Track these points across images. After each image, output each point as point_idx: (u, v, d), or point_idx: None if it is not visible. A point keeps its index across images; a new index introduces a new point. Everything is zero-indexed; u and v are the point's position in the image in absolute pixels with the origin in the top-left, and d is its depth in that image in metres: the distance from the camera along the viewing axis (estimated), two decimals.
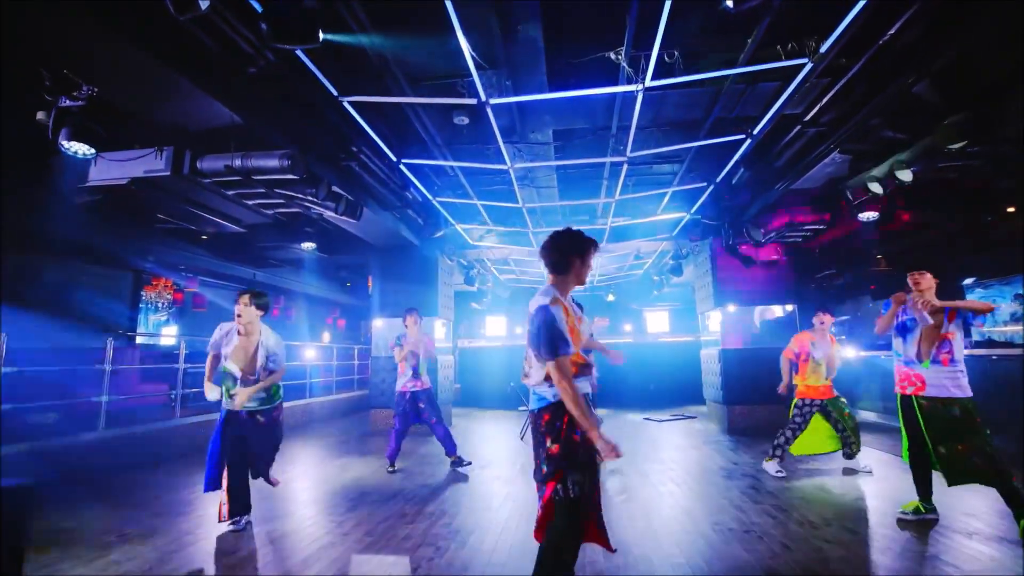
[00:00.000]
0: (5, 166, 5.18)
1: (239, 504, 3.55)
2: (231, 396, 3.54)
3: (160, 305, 10.59)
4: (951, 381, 3.33)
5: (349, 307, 16.93)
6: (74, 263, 9.10)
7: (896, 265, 10.24)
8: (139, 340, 10.38)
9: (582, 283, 2.37)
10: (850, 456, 5.07)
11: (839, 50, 3.64)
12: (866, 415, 8.56)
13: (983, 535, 3.28)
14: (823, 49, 3.52)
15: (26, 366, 5.28)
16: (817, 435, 5.11)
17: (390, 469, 5.34)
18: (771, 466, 4.92)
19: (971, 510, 3.72)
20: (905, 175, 4.55)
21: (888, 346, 8.55)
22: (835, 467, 5.20)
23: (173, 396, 7.31)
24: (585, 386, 2.33)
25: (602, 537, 2.35)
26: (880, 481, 4.73)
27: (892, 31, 3.49)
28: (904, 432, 3.59)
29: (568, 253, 2.28)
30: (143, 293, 10.31)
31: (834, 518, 3.70)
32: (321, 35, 3.12)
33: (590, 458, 2.20)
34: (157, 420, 6.43)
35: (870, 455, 5.48)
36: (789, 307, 7.76)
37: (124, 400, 6.53)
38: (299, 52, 3.44)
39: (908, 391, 3.48)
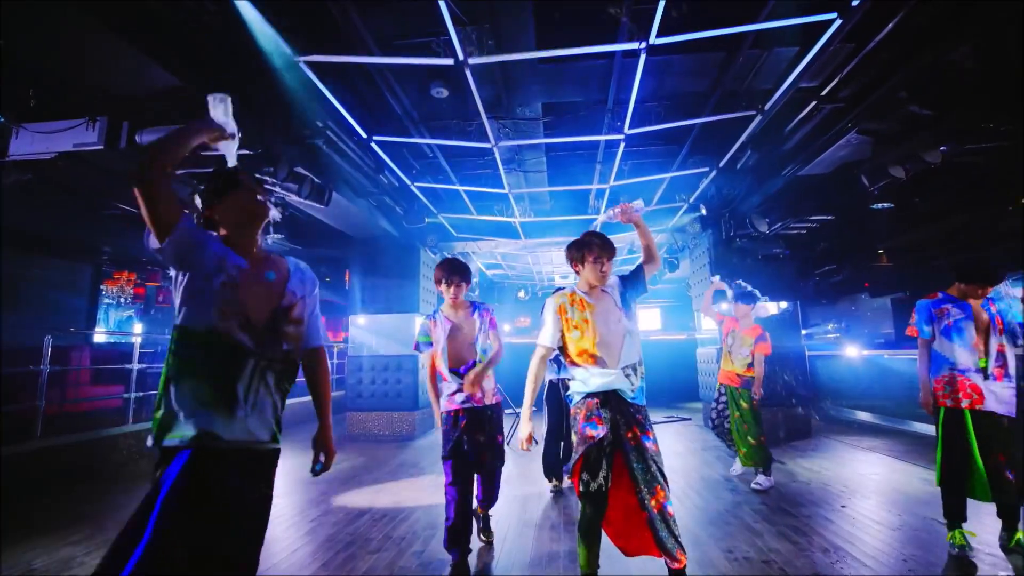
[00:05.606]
0: None
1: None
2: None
3: (123, 301, 9.88)
4: (1006, 397, 2.96)
5: (330, 305, 16.25)
6: (25, 255, 8.43)
7: (897, 261, 9.91)
8: (99, 338, 9.69)
9: (593, 281, 2.54)
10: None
11: (870, 5, 3.17)
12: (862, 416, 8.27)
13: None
14: (855, 2, 3.03)
15: None
16: None
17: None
18: None
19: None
20: (933, 155, 4.10)
21: (885, 345, 8.02)
22: (846, 476, 4.77)
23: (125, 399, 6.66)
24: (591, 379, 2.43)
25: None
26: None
27: None
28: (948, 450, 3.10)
29: (570, 260, 2.62)
30: (103, 288, 9.59)
31: (874, 544, 3.24)
32: None
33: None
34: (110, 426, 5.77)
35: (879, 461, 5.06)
36: (784, 304, 7.29)
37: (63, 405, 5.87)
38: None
39: (964, 404, 3.00)
